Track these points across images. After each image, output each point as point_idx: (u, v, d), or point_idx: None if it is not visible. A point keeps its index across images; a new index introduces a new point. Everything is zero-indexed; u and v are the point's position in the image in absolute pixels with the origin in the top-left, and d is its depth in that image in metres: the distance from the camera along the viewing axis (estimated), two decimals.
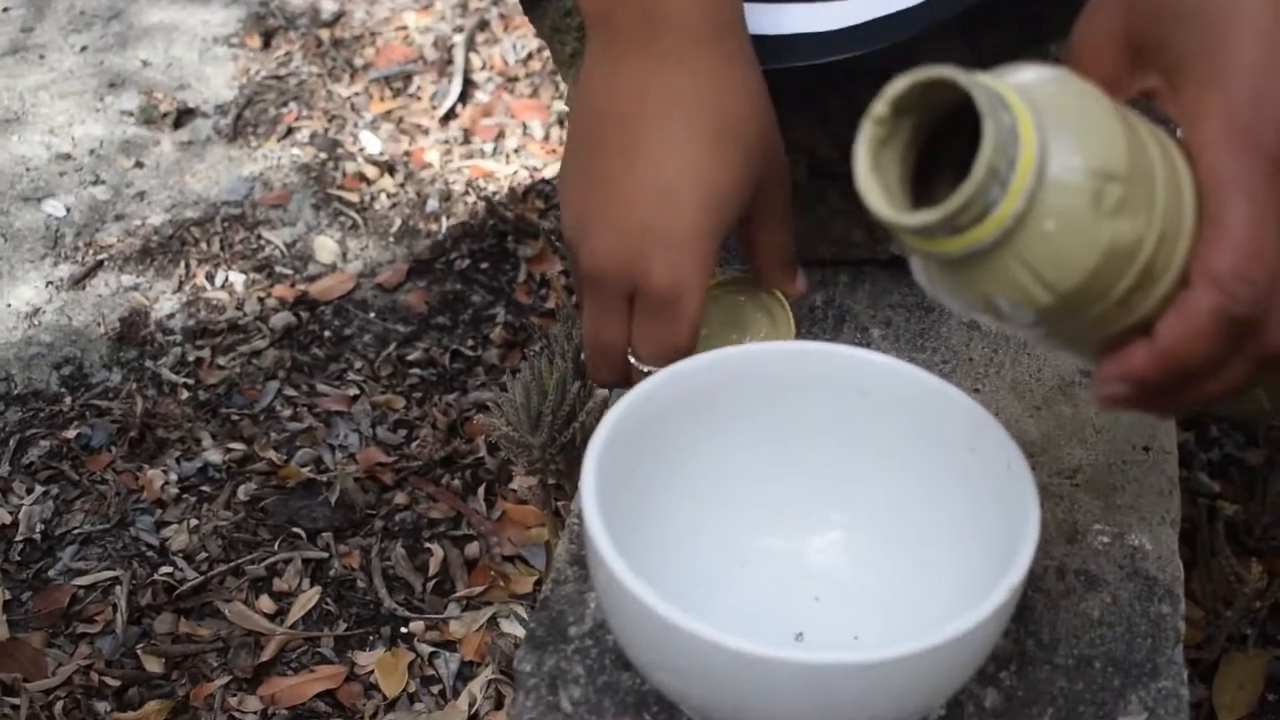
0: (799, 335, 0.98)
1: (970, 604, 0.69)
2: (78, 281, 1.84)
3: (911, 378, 0.81)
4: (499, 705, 1.28)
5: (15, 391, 1.67)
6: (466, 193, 1.99)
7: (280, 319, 1.77)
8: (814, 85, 1.03)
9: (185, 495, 1.54)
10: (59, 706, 1.32)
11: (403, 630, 1.38)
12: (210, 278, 1.85)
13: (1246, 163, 0.63)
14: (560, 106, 2.15)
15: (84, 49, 2.28)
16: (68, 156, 2.06)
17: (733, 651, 0.66)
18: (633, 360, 0.87)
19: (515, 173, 2.03)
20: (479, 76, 2.25)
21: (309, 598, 1.41)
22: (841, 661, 0.67)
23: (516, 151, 2.08)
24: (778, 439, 0.84)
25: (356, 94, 2.20)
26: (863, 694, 0.69)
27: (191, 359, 1.73)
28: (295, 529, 1.49)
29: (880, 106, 0.65)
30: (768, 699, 0.69)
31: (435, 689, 1.33)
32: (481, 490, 1.52)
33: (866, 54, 0.92)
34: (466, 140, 2.11)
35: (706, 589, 0.83)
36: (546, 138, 2.11)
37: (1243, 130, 0.63)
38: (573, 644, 0.83)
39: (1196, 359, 0.64)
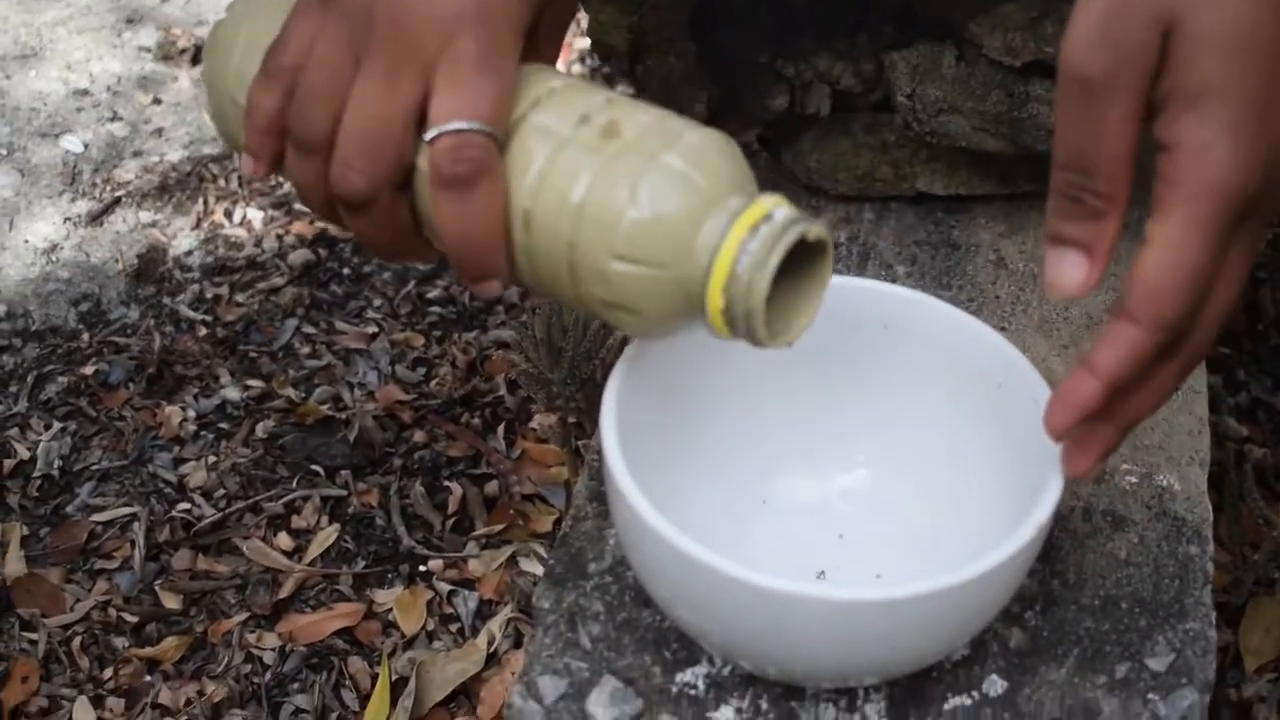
0: None
1: (996, 542, 0.68)
2: (95, 218, 1.83)
3: (936, 312, 0.80)
4: (518, 644, 1.28)
5: (33, 328, 1.66)
6: None
7: (299, 256, 1.76)
8: (837, 18, 1.02)
9: (203, 432, 1.54)
10: (77, 642, 1.32)
11: (421, 568, 1.38)
12: (229, 214, 1.85)
13: None
14: (584, 43, 2.13)
15: None
16: (85, 92, 2.05)
17: (754, 587, 0.66)
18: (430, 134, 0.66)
19: None
20: None
21: (327, 535, 1.41)
22: (864, 598, 0.66)
23: None
24: (800, 374, 0.83)
25: None
26: (885, 632, 0.68)
27: (210, 296, 1.72)
28: (314, 466, 1.48)
29: None
30: (789, 636, 0.68)
31: (454, 627, 1.32)
32: (501, 429, 1.51)
33: None
34: None
35: (728, 526, 0.82)
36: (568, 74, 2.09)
37: None
38: (592, 580, 0.83)
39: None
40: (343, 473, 1.47)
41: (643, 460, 0.72)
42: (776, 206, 0.65)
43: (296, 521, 1.43)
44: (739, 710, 0.76)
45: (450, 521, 1.43)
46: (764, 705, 0.76)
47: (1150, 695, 0.76)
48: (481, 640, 1.29)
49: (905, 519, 0.83)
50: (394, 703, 1.24)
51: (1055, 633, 0.80)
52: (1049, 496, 0.69)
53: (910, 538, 0.83)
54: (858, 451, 0.85)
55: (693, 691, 0.77)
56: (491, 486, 1.46)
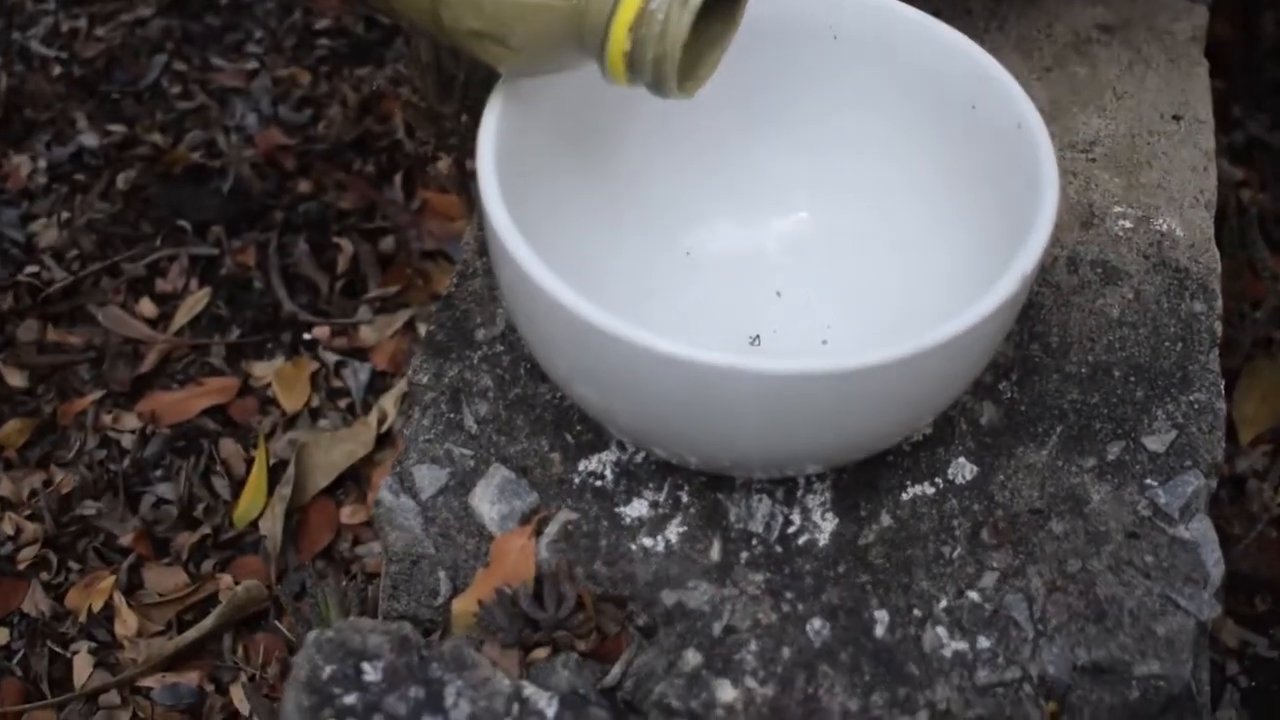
0: None
1: (966, 300, 0.61)
2: None
3: (897, 15, 0.75)
4: None
5: None
6: None
7: None
8: None
9: (56, 184, 1.47)
10: None
11: (305, 337, 1.32)
12: None
13: None
14: None
15: None
16: None
17: (669, 358, 0.59)
18: None
19: None
20: None
21: (197, 300, 1.33)
22: (805, 370, 0.60)
23: None
24: (728, 98, 0.75)
25: None
26: (832, 410, 0.62)
27: (65, 29, 1.64)
28: (181, 222, 1.41)
29: None
30: (714, 417, 0.62)
31: (343, 403, 1.27)
32: (399, 177, 1.44)
33: None
34: None
35: (642, 284, 0.77)
36: None
37: None
38: (480, 350, 0.77)
39: None
40: (215, 228, 1.41)
41: (532, 204, 0.65)
42: None
43: (161, 285, 1.36)
44: (654, 505, 0.70)
45: (339, 283, 1.37)
46: (684, 498, 0.70)
47: (1148, 480, 0.72)
48: (373, 418, 1.23)
49: (856, 272, 0.78)
50: (271, 490, 1.17)
51: (1035, 407, 0.75)
52: (1034, 242, 0.63)
53: (862, 295, 0.77)
54: (798, 190, 0.79)
55: (599, 483, 0.71)
56: (387, 243, 1.39)
